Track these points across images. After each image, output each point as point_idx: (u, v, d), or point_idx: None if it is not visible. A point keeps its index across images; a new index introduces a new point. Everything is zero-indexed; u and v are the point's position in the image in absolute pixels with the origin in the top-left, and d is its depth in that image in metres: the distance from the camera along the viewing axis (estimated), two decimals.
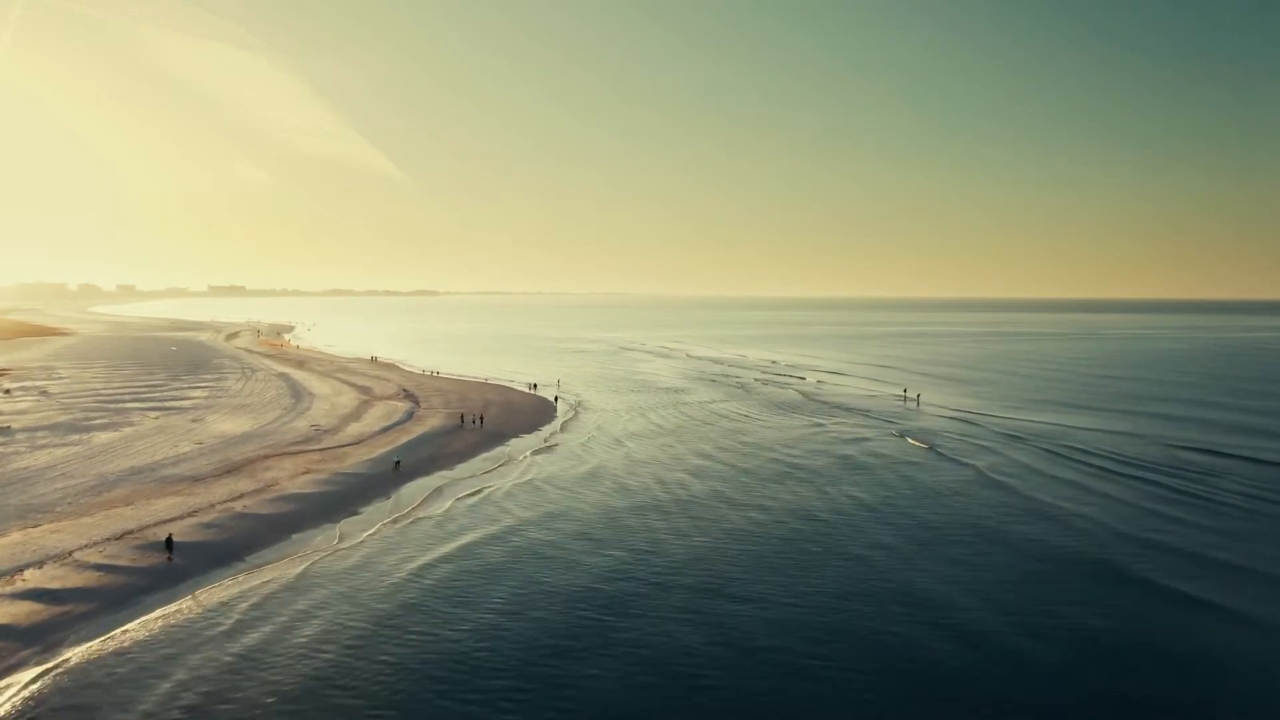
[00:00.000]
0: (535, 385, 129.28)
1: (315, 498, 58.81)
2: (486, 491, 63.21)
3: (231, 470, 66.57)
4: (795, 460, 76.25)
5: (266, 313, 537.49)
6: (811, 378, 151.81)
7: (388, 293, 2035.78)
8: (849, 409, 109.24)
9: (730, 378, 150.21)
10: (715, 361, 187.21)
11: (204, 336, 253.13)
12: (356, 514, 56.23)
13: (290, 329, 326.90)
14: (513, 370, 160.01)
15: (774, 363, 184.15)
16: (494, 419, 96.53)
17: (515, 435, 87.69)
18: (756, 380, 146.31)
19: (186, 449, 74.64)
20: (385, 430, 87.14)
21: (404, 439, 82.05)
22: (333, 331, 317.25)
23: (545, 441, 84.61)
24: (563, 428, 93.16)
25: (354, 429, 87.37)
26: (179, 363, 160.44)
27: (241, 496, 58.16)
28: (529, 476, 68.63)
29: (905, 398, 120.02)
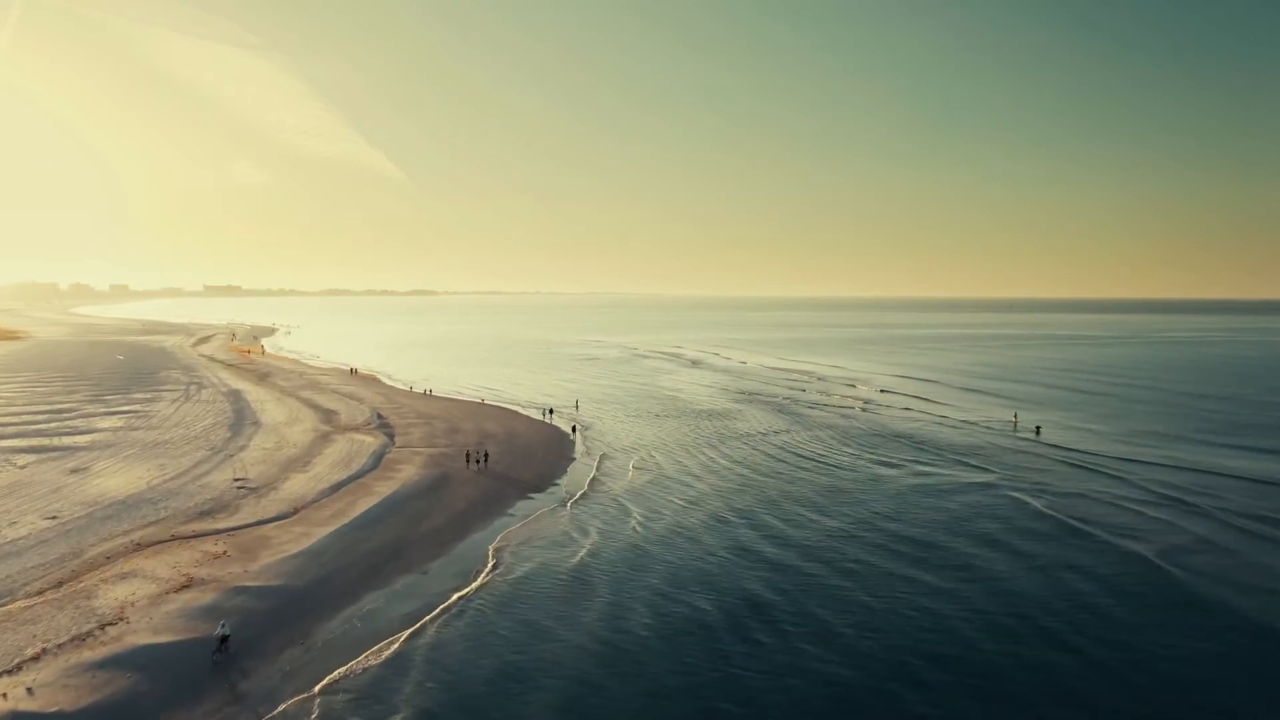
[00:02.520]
0: (551, 411, 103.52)
1: (173, 658, 33.42)
2: (472, 635, 38.10)
3: (67, 581, 41.30)
4: (913, 559, 51.10)
5: (256, 313, 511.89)
6: (862, 393, 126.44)
7: (386, 292, 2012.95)
8: (939, 446, 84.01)
9: (770, 394, 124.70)
10: (744, 372, 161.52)
11: (170, 341, 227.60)
12: (236, 700, 30.97)
13: (271, 332, 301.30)
14: (516, 384, 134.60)
15: (810, 373, 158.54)
16: (491, 465, 71.32)
17: (521, 495, 62.29)
18: (802, 397, 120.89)
19: (25, 530, 49.35)
20: (337, 488, 61.86)
21: (361, 506, 56.78)
22: (318, 335, 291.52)
23: (561, 505, 59.25)
24: (585, 481, 67.75)
25: (294, 485, 62.09)
26: (116, 376, 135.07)
27: (38, 659, 32.89)
28: (528, 600, 43.48)
29: (1016, 426, 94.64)
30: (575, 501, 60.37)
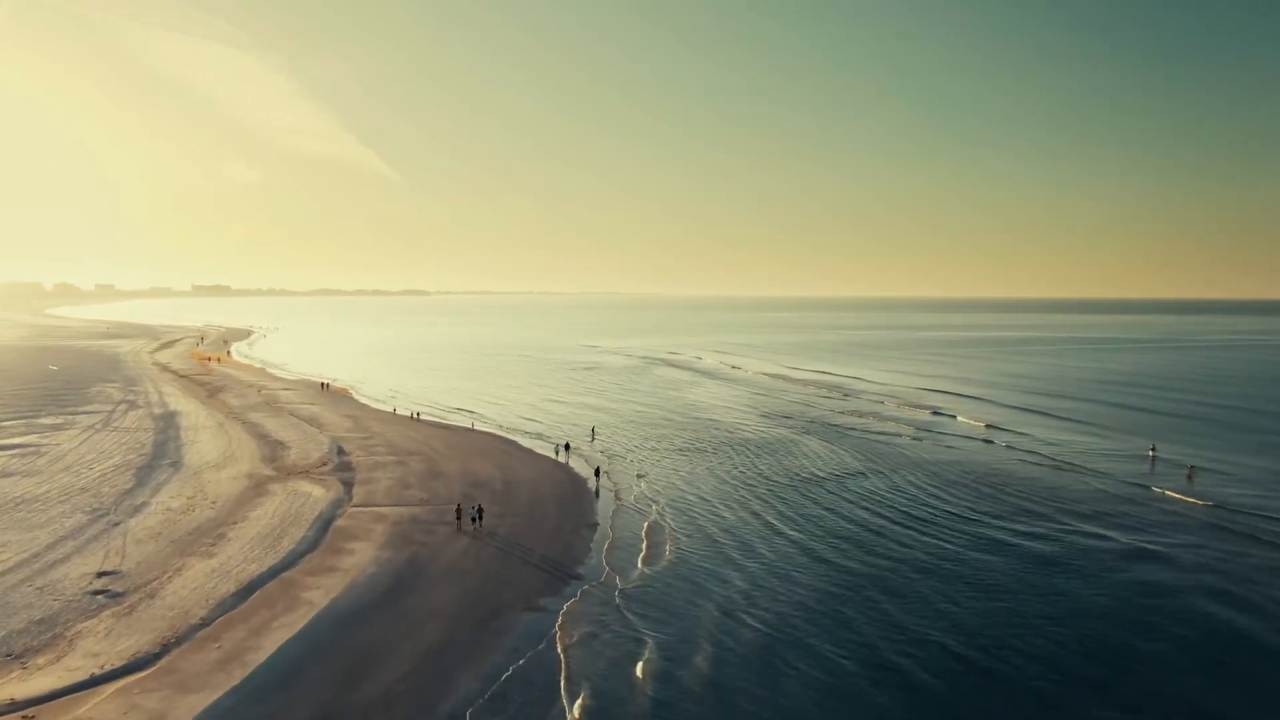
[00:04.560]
0: (566, 446, 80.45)
1: None
2: None
3: None
4: None
5: (240, 314, 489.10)
6: (907, 414, 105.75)
7: (377, 292, 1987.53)
8: (1066, 501, 63.60)
9: (802, 415, 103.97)
10: (765, 386, 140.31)
11: (128, 347, 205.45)
12: None
13: (247, 335, 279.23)
14: (512, 402, 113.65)
15: (837, 386, 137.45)
16: (486, 525, 50.69)
17: (527, 599, 41.12)
18: (839, 420, 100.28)
19: None
20: (247, 593, 40.99)
21: (272, 638, 35.92)
22: (295, 338, 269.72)
23: (592, 628, 38.73)
24: (609, 569, 47.05)
25: (183, 586, 41.26)
26: (34, 393, 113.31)
27: None
28: None
29: (1154, 466, 74.18)
30: (607, 596, 39.77)
